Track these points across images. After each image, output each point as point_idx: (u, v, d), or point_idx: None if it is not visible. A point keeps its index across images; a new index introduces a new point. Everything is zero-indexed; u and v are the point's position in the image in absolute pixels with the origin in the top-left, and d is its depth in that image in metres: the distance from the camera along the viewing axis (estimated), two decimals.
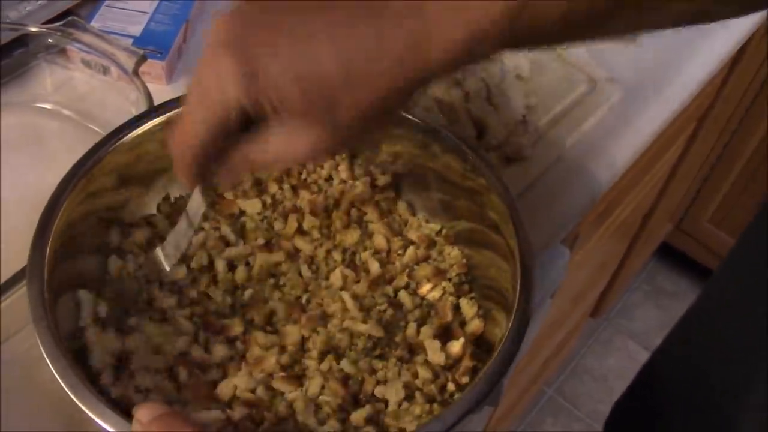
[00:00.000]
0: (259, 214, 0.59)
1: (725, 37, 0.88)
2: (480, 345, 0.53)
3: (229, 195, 0.60)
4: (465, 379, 0.51)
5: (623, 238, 1.37)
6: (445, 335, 0.54)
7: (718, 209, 1.73)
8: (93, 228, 0.54)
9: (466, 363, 0.51)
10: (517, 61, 0.76)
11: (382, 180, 0.61)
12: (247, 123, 0.42)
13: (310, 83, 0.39)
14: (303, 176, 0.61)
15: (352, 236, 0.58)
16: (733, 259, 0.58)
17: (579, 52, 0.80)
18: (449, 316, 0.54)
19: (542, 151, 0.71)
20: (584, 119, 0.75)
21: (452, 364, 0.52)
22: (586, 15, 0.39)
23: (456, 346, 0.52)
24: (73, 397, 0.43)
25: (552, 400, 1.76)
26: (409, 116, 0.57)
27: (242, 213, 0.59)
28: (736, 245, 0.57)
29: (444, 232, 0.59)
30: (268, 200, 0.60)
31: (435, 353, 0.52)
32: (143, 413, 0.40)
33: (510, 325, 0.47)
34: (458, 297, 0.56)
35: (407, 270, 0.57)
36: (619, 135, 0.76)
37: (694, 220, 1.77)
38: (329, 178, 0.61)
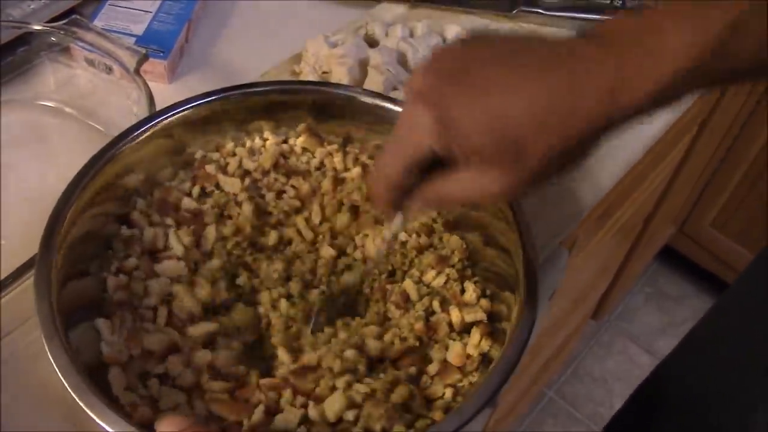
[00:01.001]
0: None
1: None
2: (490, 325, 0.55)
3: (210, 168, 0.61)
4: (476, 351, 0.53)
5: (624, 241, 1.37)
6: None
7: (720, 213, 1.72)
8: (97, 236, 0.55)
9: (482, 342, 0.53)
10: None
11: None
12: (437, 162, 0.46)
13: (501, 134, 0.42)
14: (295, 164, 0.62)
15: (341, 220, 0.60)
16: (748, 279, 0.58)
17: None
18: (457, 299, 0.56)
19: None
20: None
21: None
22: None
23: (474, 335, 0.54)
24: (74, 396, 0.43)
25: (552, 401, 1.76)
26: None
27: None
28: (752, 264, 0.57)
29: (440, 219, 0.60)
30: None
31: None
32: (165, 425, 0.40)
33: (518, 310, 0.50)
34: (462, 281, 0.57)
35: (410, 259, 0.59)
36: (620, 136, 0.76)
37: (697, 223, 1.77)
38: (321, 167, 0.62)
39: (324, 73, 0.73)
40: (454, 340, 0.54)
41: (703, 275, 1.83)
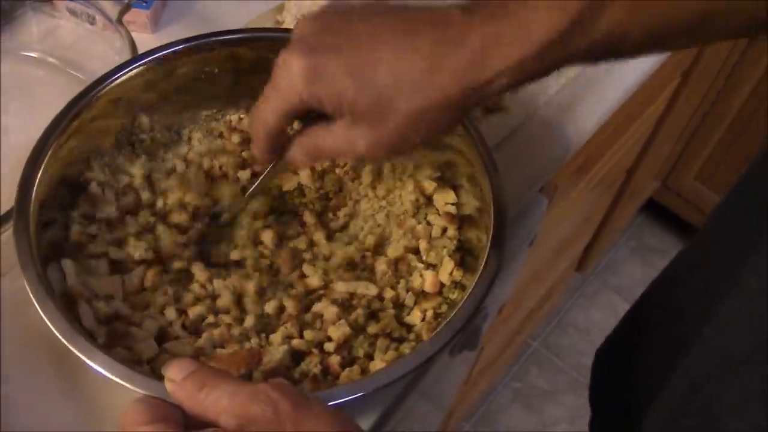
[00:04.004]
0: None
1: None
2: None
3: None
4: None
5: (607, 193, 1.39)
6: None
7: (704, 166, 1.74)
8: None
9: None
10: None
11: None
12: (319, 114, 0.48)
13: (368, 87, 0.43)
14: None
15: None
16: (728, 205, 0.59)
17: None
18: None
19: (522, 102, 0.73)
20: (565, 69, 0.76)
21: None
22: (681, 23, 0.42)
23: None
24: (65, 342, 0.44)
25: (537, 352, 1.79)
26: None
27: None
28: (731, 192, 0.59)
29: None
30: None
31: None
32: (174, 372, 0.38)
33: (489, 242, 0.51)
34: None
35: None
36: (599, 86, 0.77)
37: (681, 177, 1.79)
38: None
39: None
40: (426, 269, 0.56)
41: (687, 228, 1.86)
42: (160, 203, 0.57)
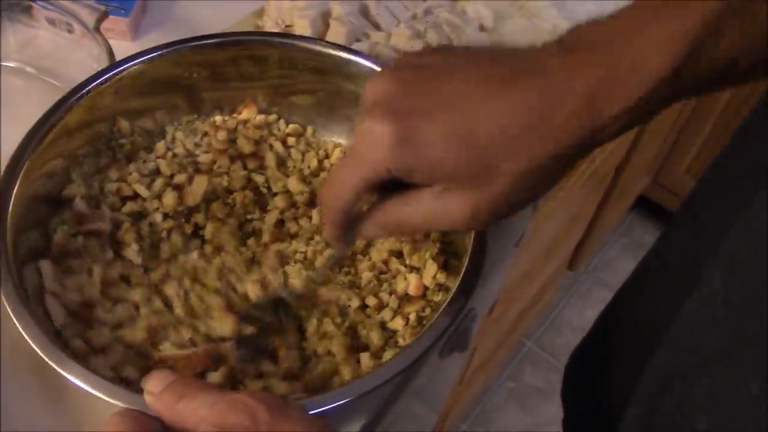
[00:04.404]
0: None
1: None
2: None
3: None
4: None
5: (596, 190, 1.39)
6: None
7: (694, 161, 1.74)
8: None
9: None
10: (480, 11, 0.76)
11: None
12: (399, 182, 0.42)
13: (467, 152, 0.39)
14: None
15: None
16: (689, 202, 0.59)
17: (541, 3, 0.80)
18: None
19: None
20: None
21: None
22: None
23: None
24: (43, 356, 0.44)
25: (531, 351, 1.79)
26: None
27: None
28: (696, 185, 0.59)
29: None
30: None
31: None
32: (153, 384, 0.38)
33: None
34: None
35: None
36: None
37: (671, 172, 1.79)
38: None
39: (287, 26, 0.73)
40: (409, 273, 0.55)
41: None
42: (152, 206, 0.57)
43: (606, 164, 1.27)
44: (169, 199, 0.57)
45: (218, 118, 0.62)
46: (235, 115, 0.63)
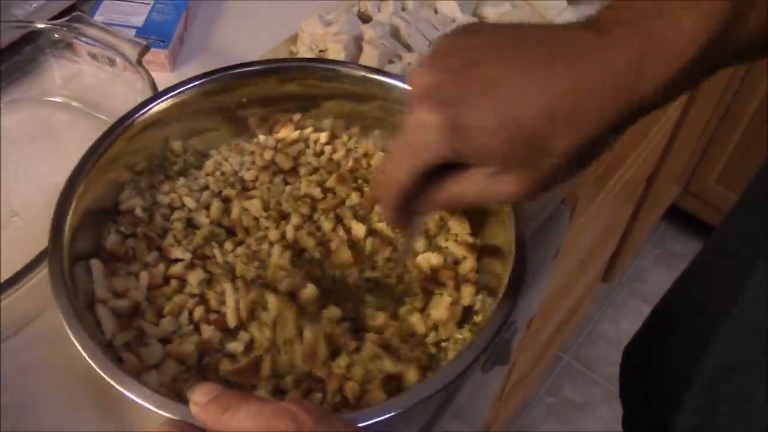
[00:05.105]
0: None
1: None
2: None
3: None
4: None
5: (628, 201, 1.39)
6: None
7: (724, 169, 1.73)
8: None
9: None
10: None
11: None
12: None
13: (516, 134, 0.40)
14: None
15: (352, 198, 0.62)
16: (747, 196, 0.60)
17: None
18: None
19: None
20: None
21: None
22: None
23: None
24: (102, 374, 0.45)
25: (569, 365, 1.78)
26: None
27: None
28: (747, 188, 0.59)
29: None
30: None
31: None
32: (199, 395, 0.39)
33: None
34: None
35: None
36: None
37: (702, 181, 1.78)
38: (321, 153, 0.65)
39: (321, 51, 0.75)
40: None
41: (711, 232, 1.84)
42: (202, 217, 0.59)
43: (638, 175, 1.27)
44: (215, 210, 0.59)
45: (262, 138, 0.65)
46: (273, 134, 0.65)
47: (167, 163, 0.62)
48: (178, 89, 0.60)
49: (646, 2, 0.40)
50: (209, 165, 0.63)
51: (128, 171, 0.59)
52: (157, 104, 0.59)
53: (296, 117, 0.65)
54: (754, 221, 0.54)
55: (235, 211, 0.59)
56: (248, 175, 0.62)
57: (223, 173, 0.62)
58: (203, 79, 0.61)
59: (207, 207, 0.60)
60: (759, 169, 0.58)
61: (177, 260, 0.56)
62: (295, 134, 0.65)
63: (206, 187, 0.61)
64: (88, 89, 0.74)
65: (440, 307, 0.55)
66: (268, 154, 0.63)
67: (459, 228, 0.59)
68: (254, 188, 0.62)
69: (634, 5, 0.40)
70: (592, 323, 1.84)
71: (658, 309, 0.66)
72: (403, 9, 0.80)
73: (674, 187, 1.77)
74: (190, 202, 0.60)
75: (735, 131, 1.64)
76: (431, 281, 0.56)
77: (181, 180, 0.61)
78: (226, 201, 0.60)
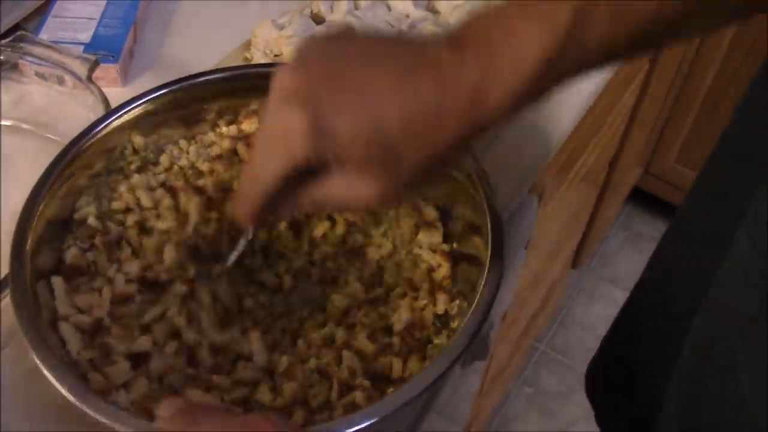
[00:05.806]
0: None
1: None
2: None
3: None
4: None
5: (592, 186, 1.40)
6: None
7: (683, 148, 1.75)
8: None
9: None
10: None
11: None
12: (310, 168, 0.44)
13: (375, 140, 0.41)
14: None
15: None
16: (708, 173, 0.60)
17: None
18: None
19: None
20: None
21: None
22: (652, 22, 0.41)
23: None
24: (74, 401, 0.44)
25: (544, 354, 1.79)
26: None
27: None
28: (710, 157, 0.60)
29: None
30: None
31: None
32: (164, 409, 0.40)
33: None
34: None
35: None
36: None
37: (662, 161, 1.80)
38: None
39: (276, 55, 0.74)
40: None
41: (674, 211, 1.86)
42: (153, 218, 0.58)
43: (600, 160, 1.28)
44: (164, 209, 0.58)
45: (224, 129, 0.63)
46: (236, 125, 0.64)
47: (124, 163, 0.60)
48: (135, 102, 0.59)
49: (497, 19, 0.42)
50: (164, 159, 0.62)
51: (85, 176, 0.58)
52: (110, 122, 0.58)
53: (254, 105, 0.63)
54: (723, 196, 0.54)
55: (183, 203, 0.59)
56: (204, 167, 0.61)
57: (180, 167, 0.61)
58: (159, 92, 0.60)
59: (157, 206, 0.59)
60: (715, 145, 0.58)
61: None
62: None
63: (163, 183, 0.60)
64: (38, 110, 0.72)
65: (404, 310, 0.55)
66: (226, 143, 0.62)
67: (431, 237, 0.58)
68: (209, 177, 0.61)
69: (484, 23, 0.42)
70: (564, 310, 1.85)
71: (630, 301, 0.66)
72: (356, 8, 0.79)
73: (636, 169, 1.79)
74: (146, 201, 0.58)
75: (690, 110, 1.66)
76: (408, 286, 0.56)
77: (136, 177, 0.60)
78: (172, 191, 0.59)
